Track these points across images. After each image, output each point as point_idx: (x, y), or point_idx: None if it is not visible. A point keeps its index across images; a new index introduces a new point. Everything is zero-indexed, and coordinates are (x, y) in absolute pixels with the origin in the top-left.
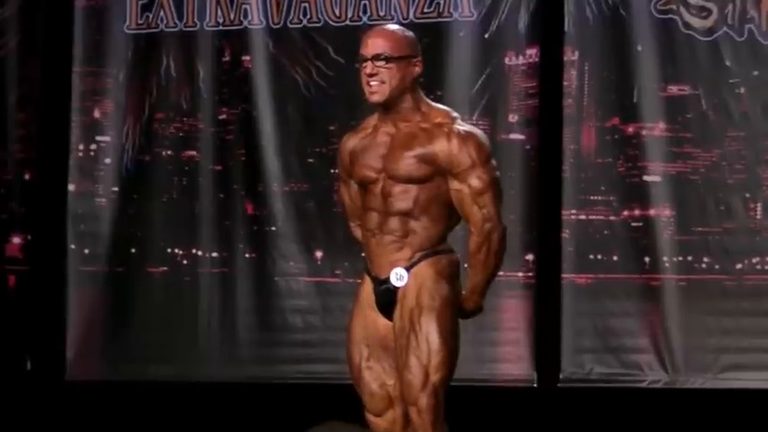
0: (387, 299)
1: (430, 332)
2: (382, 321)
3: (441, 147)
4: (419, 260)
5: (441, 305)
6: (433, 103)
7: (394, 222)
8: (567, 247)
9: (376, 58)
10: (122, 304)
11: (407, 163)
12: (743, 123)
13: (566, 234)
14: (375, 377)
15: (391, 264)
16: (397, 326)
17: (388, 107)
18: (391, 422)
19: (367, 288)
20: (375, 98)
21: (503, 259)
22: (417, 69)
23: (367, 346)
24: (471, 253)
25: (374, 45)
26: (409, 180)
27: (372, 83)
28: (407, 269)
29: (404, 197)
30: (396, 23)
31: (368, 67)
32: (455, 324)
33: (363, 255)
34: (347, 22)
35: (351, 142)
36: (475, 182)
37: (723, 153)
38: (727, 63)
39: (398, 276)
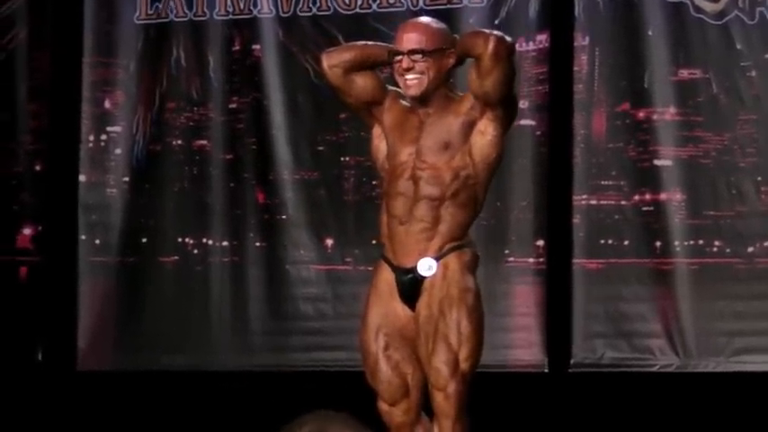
0: (412, 288)
1: (461, 322)
2: (403, 310)
3: (467, 97)
4: (448, 252)
5: (471, 297)
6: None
7: (423, 209)
8: (578, 232)
9: (412, 52)
10: (133, 294)
11: (444, 128)
12: (754, 107)
13: (577, 219)
14: (393, 366)
15: (420, 253)
16: (423, 314)
17: (422, 99)
18: (405, 411)
19: (385, 276)
20: (412, 92)
21: None
22: (451, 61)
23: (386, 335)
24: None
25: (410, 39)
26: (446, 146)
27: (409, 77)
28: (436, 260)
29: (434, 181)
30: (406, 11)
31: (404, 62)
32: (483, 316)
33: (382, 242)
34: (357, 10)
35: (400, 105)
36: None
37: (734, 136)
38: (738, 46)
39: (428, 267)
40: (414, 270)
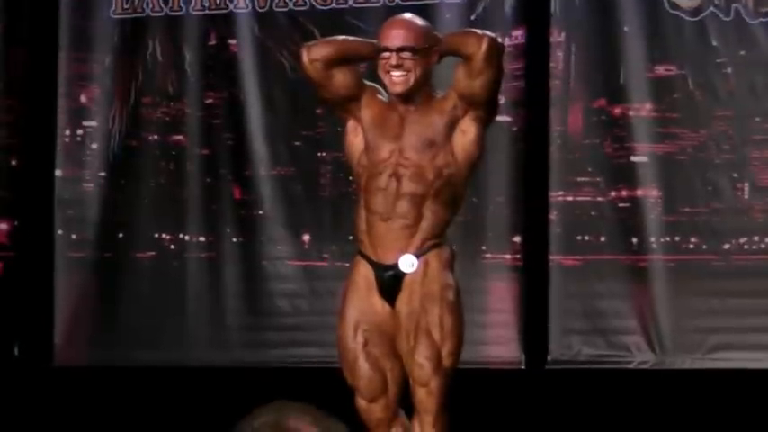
0: (393, 285)
1: (444, 318)
2: (382, 306)
3: (452, 94)
4: (428, 249)
5: (452, 294)
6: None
7: (405, 206)
8: (555, 228)
9: (401, 50)
10: (110, 290)
11: (427, 126)
12: (730, 103)
13: (553, 216)
14: (373, 362)
15: (400, 250)
16: (404, 310)
17: (406, 97)
18: (384, 407)
19: (363, 271)
20: (398, 89)
21: None
22: (435, 58)
23: (365, 331)
24: None
25: (399, 36)
26: (430, 144)
27: (396, 74)
28: (417, 256)
29: (417, 179)
30: (382, 7)
31: (393, 59)
32: (463, 314)
33: (359, 238)
34: (333, 6)
35: (379, 100)
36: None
37: (710, 133)
38: (714, 43)
39: (409, 263)
40: (395, 266)
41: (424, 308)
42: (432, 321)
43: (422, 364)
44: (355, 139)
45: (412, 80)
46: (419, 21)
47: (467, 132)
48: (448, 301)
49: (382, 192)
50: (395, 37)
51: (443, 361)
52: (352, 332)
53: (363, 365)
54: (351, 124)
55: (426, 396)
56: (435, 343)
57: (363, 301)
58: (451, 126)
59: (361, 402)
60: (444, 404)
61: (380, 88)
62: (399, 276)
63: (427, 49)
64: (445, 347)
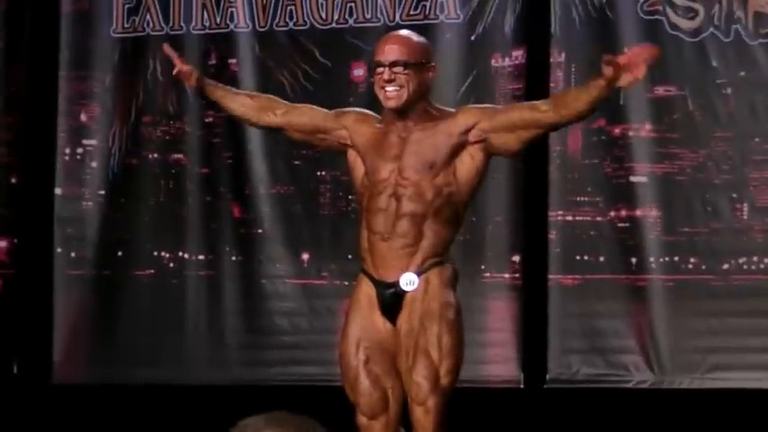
0: (394, 303)
1: (442, 337)
2: (384, 324)
3: (465, 116)
4: (429, 267)
5: (452, 312)
6: (441, 107)
7: (405, 225)
8: (554, 248)
9: (394, 64)
10: (109, 308)
11: (430, 147)
12: (729, 124)
13: (552, 235)
14: (374, 379)
15: (401, 269)
16: (404, 328)
17: (401, 112)
18: (385, 425)
19: (366, 289)
20: (391, 104)
21: None
22: (431, 75)
23: (366, 348)
24: (571, 98)
25: (392, 51)
26: (431, 166)
27: (389, 89)
28: (417, 275)
29: (417, 198)
30: (382, 26)
31: (385, 74)
32: (463, 332)
33: (362, 256)
34: (333, 25)
35: (366, 124)
36: (517, 108)
37: (709, 153)
38: (714, 64)
39: (409, 282)
40: (395, 285)
41: (423, 326)
42: (430, 340)
43: (419, 382)
44: (356, 161)
45: (405, 95)
46: (414, 36)
47: (474, 158)
48: (447, 319)
49: (383, 212)
50: (387, 52)
51: (441, 380)
52: (353, 349)
53: (364, 382)
54: (350, 153)
55: (424, 415)
56: (433, 362)
57: (366, 319)
58: (457, 149)
59: (362, 419)
60: (442, 423)
61: (369, 112)
62: (400, 294)
63: (421, 65)
64: (443, 366)
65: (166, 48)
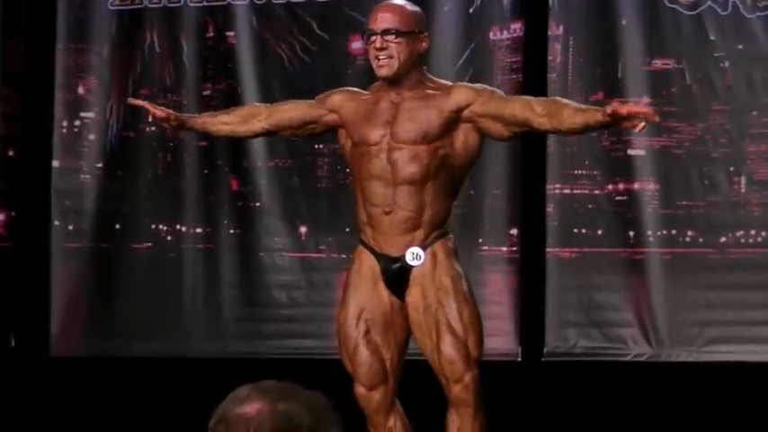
0: (400, 277)
1: (463, 311)
2: (389, 297)
3: (459, 95)
4: (433, 240)
5: (463, 283)
6: (437, 78)
7: (404, 195)
8: (552, 221)
9: (386, 32)
10: (107, 280)
11: (423, 119)
12: (727, 97)
13: (550, 208)
14: (373, 350)
15: (405, 243)
16: (420, 305)
17: (394, 81)
18: (383, 396)
19: (367, 262)
20: (383, 72)
21: None
22: (424, 45)
23: (367, 320)
24: (567, 114)
25: (384, 19)
26: (424, 136)
27: (381, 56)
28: (423, 248)
29: (413, 162)
30: None
31: (377, 42)
32: (476, 300)
33: (361, 228)
34: None
35: (353, 100)
36: (513, 101)
37: (707, 127)
38: (712, 37)
39: (416, 256)
40: (401, 259)
41: (440, 303)
42: (451, 315)
43: (452, 360)
44: (346, 141)
45: (396, 64)
46: (408, 6)
47: (467, 137)
48: (462, 292)
49: (378, 180)
50: (380, 20)
51: (471, 354)
52: (354, 320)
53: (364, 353)
54: (340, 133)
55: (463, 391)
56: (460, 338)
57: (369, 291)
58: (450, 124)
59: (361, 390)
60: (480, 395)
61: (353, 88)
62: (407, 269)
63: (414, 34)
64: (470, 340)
65: (132, 101)
